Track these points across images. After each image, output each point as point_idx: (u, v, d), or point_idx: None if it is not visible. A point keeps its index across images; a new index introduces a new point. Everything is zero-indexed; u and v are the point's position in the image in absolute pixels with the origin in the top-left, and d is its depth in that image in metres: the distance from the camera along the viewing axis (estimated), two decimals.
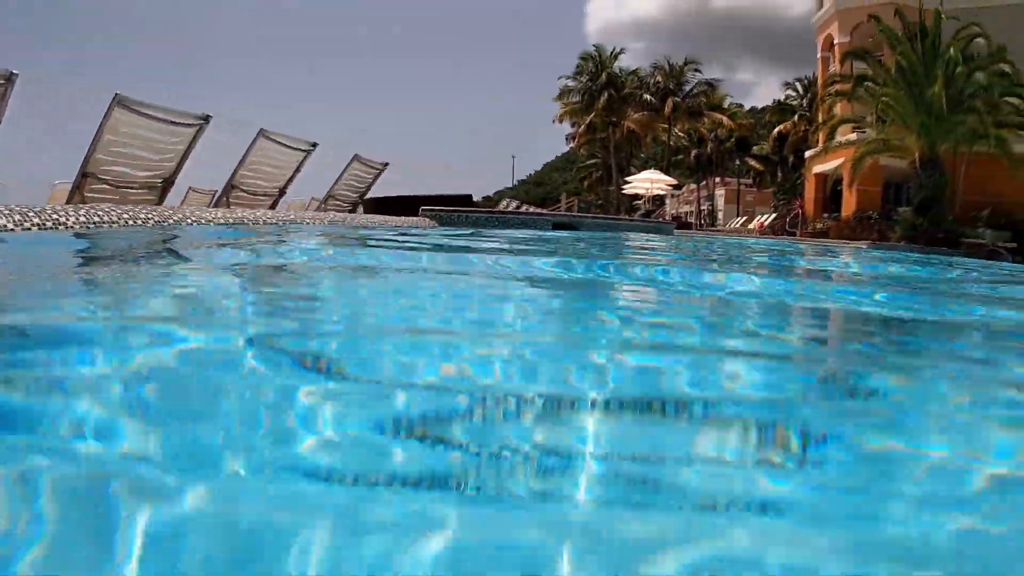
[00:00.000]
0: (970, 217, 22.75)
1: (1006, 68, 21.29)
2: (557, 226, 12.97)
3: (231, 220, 7.14)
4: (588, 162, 50.53)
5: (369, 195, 13.71)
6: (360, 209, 13.45)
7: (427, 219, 10.74)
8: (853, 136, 25.72)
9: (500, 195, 54.40)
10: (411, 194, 12.59)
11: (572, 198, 41.27)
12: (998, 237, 21.04)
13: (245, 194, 10.21)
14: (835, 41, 28.84)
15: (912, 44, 22.01)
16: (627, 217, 19.62)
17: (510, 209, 23.86)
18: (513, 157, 75.80)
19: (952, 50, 21.43)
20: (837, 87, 25.52)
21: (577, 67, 43.43)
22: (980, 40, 21.52)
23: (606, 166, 44.84)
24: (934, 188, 21.63)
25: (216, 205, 10.38)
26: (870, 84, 22.94)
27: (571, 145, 47.41)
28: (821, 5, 31.05)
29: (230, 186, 9.99)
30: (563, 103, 44.02)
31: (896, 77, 21.98)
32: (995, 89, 20.85)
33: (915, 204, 22.10)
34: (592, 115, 42.24)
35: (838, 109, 26.82)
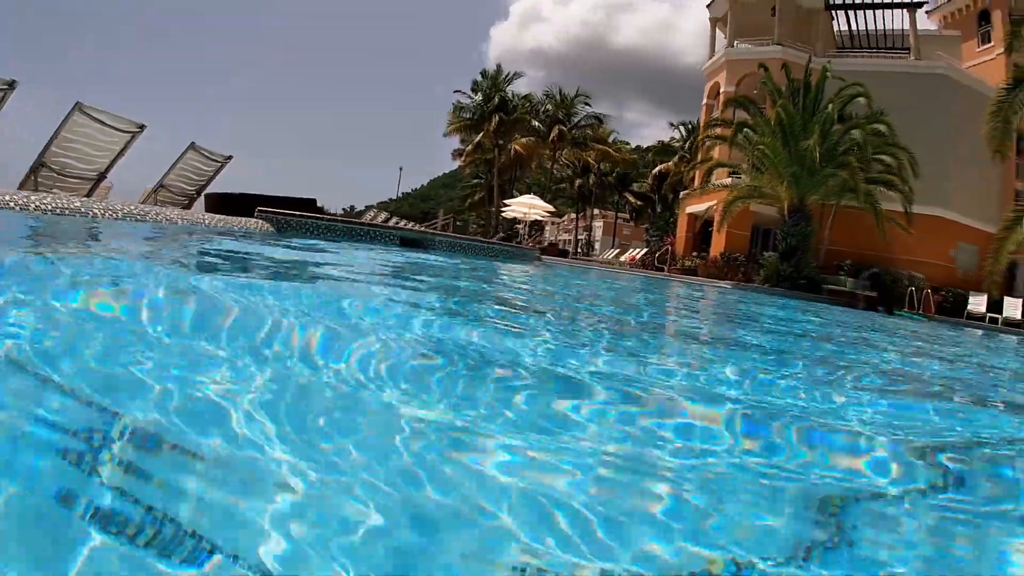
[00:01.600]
0: (834, 265, 23.38)
1: (882, 128, 21.90)
2: (405, 242, 12.16)
3: None
4: (472, 182, 49.53)
5: (212, 190, 12.46)
6: (202, 205, 12.39)
7: (263, 222, 9.60)
8: (727, 180, 26.00)
9: (383, 206, 52.35)
10: (254, 192, 11.55)
11: (450, 215, 39.91)
12: (858, 285, 21.64)
13: (54, 174, 8.69)
14: (721, 89, 29.18)
15: (794, 98, 22.42)
16: (483, 240, 18.36)
17: (365, 220, 22.28)
18: (400, 169, 74.06)
19: (831, 107, 21.90)
20: (718, 130, 25.73)
21: (473, 85, 42.50)
22: (861, 100, 22.00)
23: (489, 187, 43.94)
24: (800, 236, 22.14)
25: (22, 187, 8.45)
26: (749, 132, 23.12)
27: (458, 162, 46.20)
28: (713, 53, 31.68)
29: (39, 164, 8.26)
30: (454, 117, 42.87)
31: (774, 128, 22.25)
32: (869, 147, 21.30)
33: (781, 250, 22.48)
34: (481, 135, 41.30)
35: (716, 153, 27.12)
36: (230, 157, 11.92)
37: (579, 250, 45.50)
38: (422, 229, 23.24)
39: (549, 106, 43.10)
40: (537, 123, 42.73)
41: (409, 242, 12.31)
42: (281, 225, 9.80)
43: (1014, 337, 15.73)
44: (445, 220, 36.16)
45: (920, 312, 21.15)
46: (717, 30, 32.17)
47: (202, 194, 12.38)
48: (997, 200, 27.14)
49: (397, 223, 27.37)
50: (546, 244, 37.60)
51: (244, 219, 9.43)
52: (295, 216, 10.18)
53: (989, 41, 30.02)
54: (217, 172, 12.11)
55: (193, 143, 11.28)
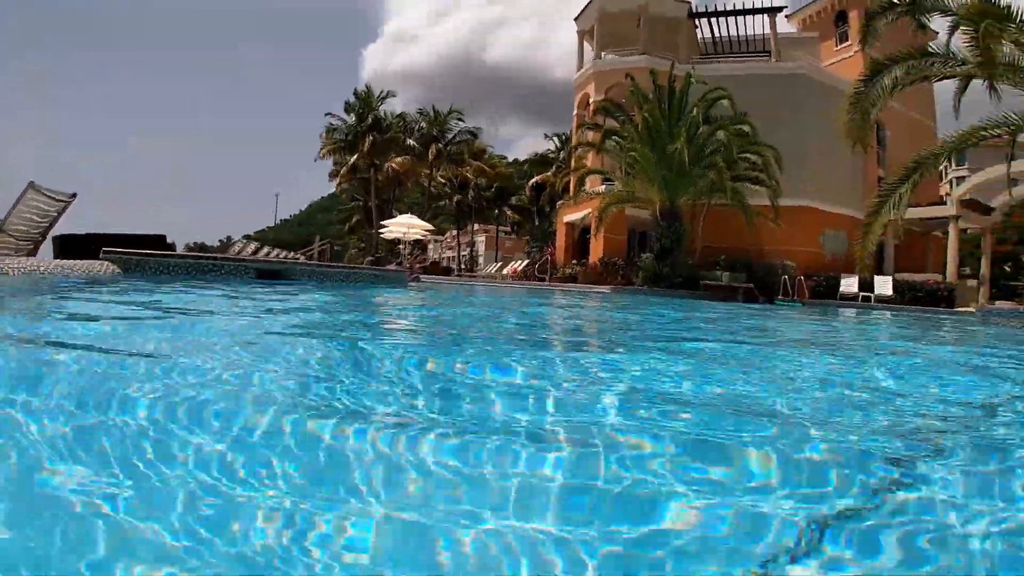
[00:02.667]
0: (710, 262, 23.48)
1: (746, 128, 22.08)
2: (263, 275, 11.21)
3: None
4: (350, 204, 47.66)
5: (58, 231, 11.23)
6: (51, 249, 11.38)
7: (108, 264, 9.00)
8: (601, 187, 25.83)
9: (261, 235, 49.68)
10: (100, 232, 10.88)
11: (327, 241, 37.85)
12: (735, 279, 21.67)
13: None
14: (591, 99, 28.95)
15: (660, 104, 22.34)
16: (348, 265, 17.10)
17: (244, 255, 21.11)
18: (276, 195, 70.81)
19: (696, 111, 22.08)
20: (589, 135, 25.31)
21: (345, 106, 40.87)
22: (725, 102, 22.24)
23: (367, 209, 42.20)
24: (675, 236, 22.16)
25: None
26: (618, 139, 22.98)
27: (334, 183, 44.33)
28: (581, 65, 31.57)
29: None
30: (327, 140, 41.08)
31: (643, 134, 22.17)
32: (734, 147, 21.42)
33: (657, 251, 22.43)
34: (356, 156, 39.62)
35: (588, 161, 26.76)
36: (74, 195, 10.79)
37: (463, 266, 44.37)
38: (283, 259, 21.53)
39: (423, 124, 42.19)
40: (412, 141, 41.65)
41: (267, 274, 11.38)
42: (129, 265, 9.24)
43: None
44: (322, 246, 34.09)
45: (795, 299, 21.60)
46: (585, 43, 32.14)
47: (47, 237, 11.10)
48: (860, 188, 28.25)
49: (268, 253, 25.49)
50: (428, 263, 36.15)
51: (88, 262, 8.87)
52: (142, 255, 9.55)
53: (847, 40, 31.21)
54: (62, 212, 10.93)
55: (32, 182, 10.15)
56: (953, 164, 50.00)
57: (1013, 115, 12.43)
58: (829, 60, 31.22)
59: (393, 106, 51.83)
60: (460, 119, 42.24)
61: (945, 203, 24.01)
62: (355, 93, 41.09)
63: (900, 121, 28.77)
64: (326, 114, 41.08)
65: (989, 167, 24.01)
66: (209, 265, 11.09)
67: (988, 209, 25.72)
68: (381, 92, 40.68)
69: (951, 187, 42.89)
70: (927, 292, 22.01)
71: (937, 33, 13.29)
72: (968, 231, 26.68)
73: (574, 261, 28.02)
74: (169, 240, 14.49)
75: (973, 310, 16.53)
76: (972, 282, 25.86)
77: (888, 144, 29.68)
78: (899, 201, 12.61)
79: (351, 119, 40.56)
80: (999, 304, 21.06)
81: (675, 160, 20.96)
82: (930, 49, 12.92)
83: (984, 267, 25.83)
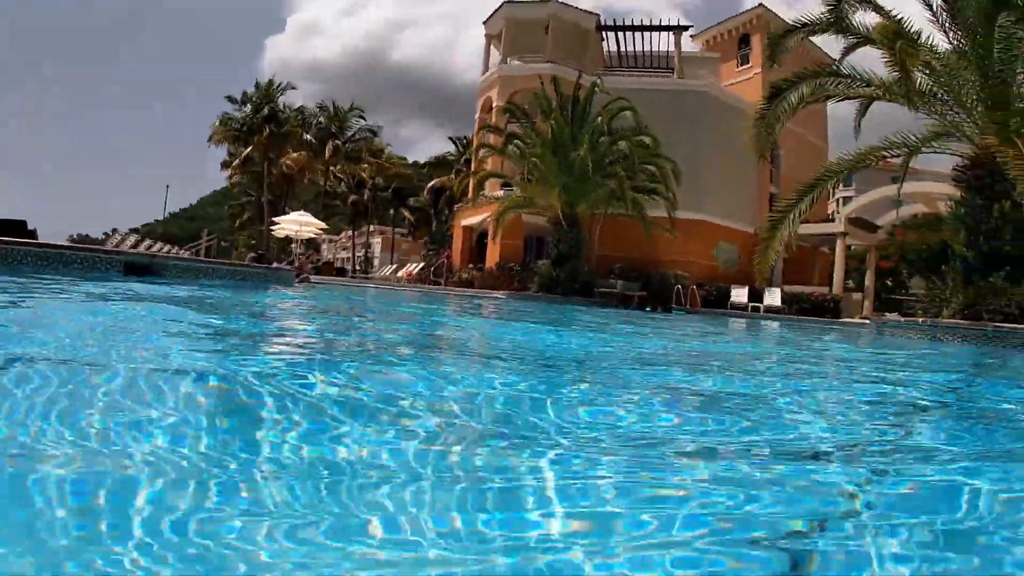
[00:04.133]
0: (606, 270, 23.18)
1: (647, 140, 21.80)
2: (131, 269, 10.31)
3: None
4: (243, 200, 45.11)
5: None
6: None
7: None
8: (500, 192, 24.99)
9: (149, 229, 46.58)
10: None
11: (213, 236, 35.33)
12: (629, 287, 21.40)
13: None
14: (494, 104, 28.16)
15: (564, 111, 21.85)
16: (229, 262, 15.69)
17: (123, 248, 19.32)
18: (167, 187, 66.16)
19: (600, 120, 21.76)
20: (491, 138, 24.42)
21: (243, 96, 38.59)
22: (628, 113, 22.03)
23: (260, 204, 39.90)
24: (572, 243, 21.67)
25: None
26: (521, 143, 22.35)
27: (226, 173, 41.71)
28: (487, 69, 30.76)
29: None
30: (220, 127, 38.61)
31: (546, 139, 21.62)
32: (636, 158, 21.22)
33: (554, 257, 21.90)
34: (251, 148, 37.38)
35: (488, 164, 25.94)
36: None
37: (357, 268, 42.71)
38: (153, 252, 19.73)
39: (322, 119, 40.40)
40: (310, 136, 39.69)
41: (136, 269, 10.43)
42: None
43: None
44: (208, 241, 31.72)
45: (687, 307, 21.66)
46: (492, 47, 31.39)
47: None
48: (753, 203, 28.88)
49: (151, 247, 23.62)
50: (320, 263, 34.31)
51: None
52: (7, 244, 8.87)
53: (748, 62, 31.63)
54: None
55: None
56: (840, 184, 52.02)
57: (913, 136, 12.56)
58: (730, 80, 31.57)
59: (293, 99, 49.49)
60: (361, 116, 40.83)
61: (834, 220, 24.40)
62: (255, 84, 38.95)
63: (794, 141, 29.24)
64: (225, 97, 38.68)
65: (873, 189, 24.81)
66: (72, 257, 10.07)
67: (874, 227, 26.52)
68: (280, 83, 38.73)
69: (837, 206, 44.44)
70: (813, 303, 22.48)
71: (834, 59, 13.25)
72: (853, 247, 27.30)
73: (471, 265, 27.14)
74: (32, 227, 12.94)
75: (867, 321, 16.76)
76: (857, 295, 26.62)
77: (781, 163, 30.21)
78: (798, 216, 12.54)
79: (248, 110, 38.33)
80: (888, 316, 21.61)
81: (577, 167, 20.58)
82: (838, 69, 12.95)
83: (869, 281, 26.75)
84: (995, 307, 10.19)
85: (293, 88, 39.54)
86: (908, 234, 31.24)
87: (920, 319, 11.17)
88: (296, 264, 26.72)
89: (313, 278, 22.46)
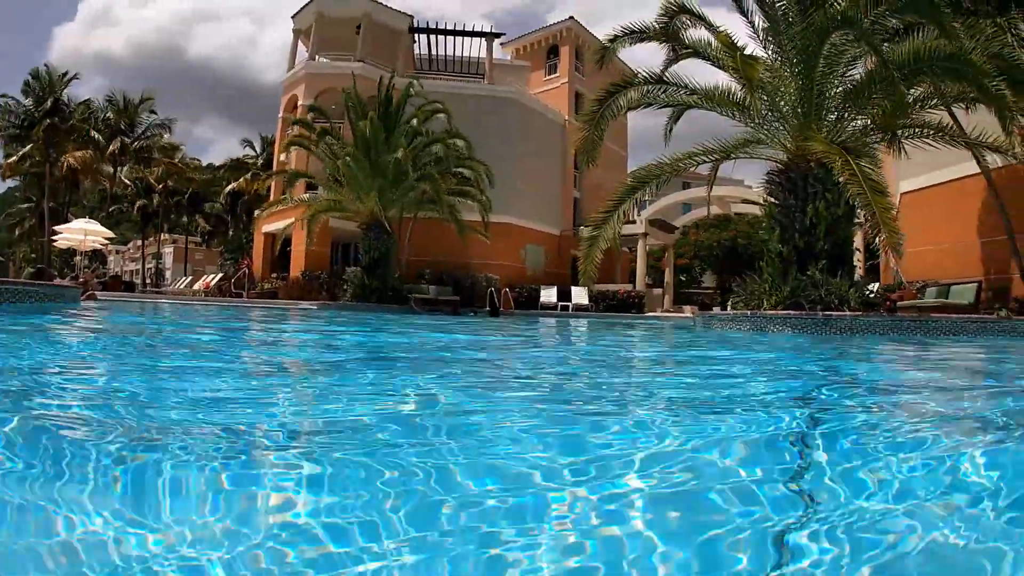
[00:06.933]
0: (416, 275, 22.54)
1: (460, 143, 21.27)
2: None
3: None
4: (22, 206, 39.15)
5: None
6: None
7: None
8: (306, 195, 23.32)
9: None
10: None
11: None
12: (441, 292, 20.94)
13: None
14: (299, 102, 26.38)
15: (376, 112, 20.67)
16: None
17: None
18: None
19: (415, 121, 21.11)
20: (297, 129, 22.46)
21: (24, 86, 33.33)
22: (442, 116, 21.45)
23: (41, 212, 34.71)
24: (383, 249, 20.71)
25: None
26: (331, 143, 20.90)
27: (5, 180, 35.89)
28: (293, 66, 28.72)
29: None
30: None
31: (358, 140, 20.34)
32: (450, 161, 20.76)
33: (365, 264, 20.76)
34: (31, 145, 32.39)
35: (292, 166, 24.12)
36: None
37: (148, 281, 38.60)
38: None
39: (111, 114, 35.84)
40: (96, 133, 35.12)
41: None
42: None
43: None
44: None
45: (502, 309, 21.24)
46: (300, 43, 29.45)
47: None
48: (559, 207, 29.62)
49: None
50: (107, 278, 30.38)
51: None
52: None
53: (556, 72, 31.94)
54: None
55: None
56: (656, 188, 54.99)
57: (726, 142, 12.95)
58: (538, 89, 31.80)
59: (81, 93, 43.30)
60: (152, 111, 36.58)
61: (635, 222, 25.15)
62: (34, 73, 33.73)
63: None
64: (0, 95, 33.20)
65: (668, 194, 26.00)
66: None
67: (672, 228, 27.80)
68: (66, 74, 33.84)
69: (636, 209, 46.78)
70: (620, 300, 23.02)
71: (637, 72, 13.32)
72: (651, 247, 28.46)
73: (274, 275, 25.18)
74: None
75: (692, 316, 17.30)
76: (657, 290, 27.82)
77: (584, 169, 30.84)
78: (622, 216, 12.74)
79: (28, 103, 33.23)
80: (716, 310, 22.53)
81: (392, 170, 19.67)
82: (665, 78, 13.03)
83: (668, 277, 28.08)
84: (814, 297, 10.72)
85: (77, 78, 34.56)
86: (701, 234, 33.23)
87: (749, 312, 11.45)
88: (81, 279, 23.51)
89: (99, 294, 19.84)
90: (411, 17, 29.35)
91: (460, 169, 21.80)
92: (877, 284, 15.72)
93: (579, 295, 22.66)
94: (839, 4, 10.77)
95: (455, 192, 21.40)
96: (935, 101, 11.80)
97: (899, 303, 12.25)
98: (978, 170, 13.37)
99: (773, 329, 10.46)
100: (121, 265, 42.30)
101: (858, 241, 15.86)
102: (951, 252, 15.43)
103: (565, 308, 22.10)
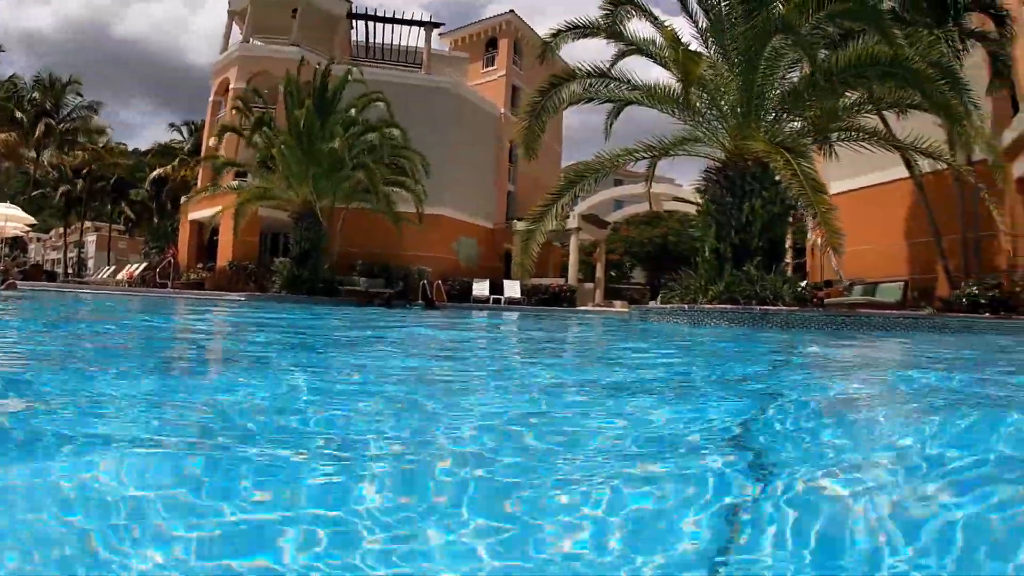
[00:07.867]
0: (347, 265, 21.98)
1: (396, 133, 20.75)
2: None
3: None
4: None
5: None
6: None
7: None
8: (235, 183, 22.33)
9: None
10: None
11: None
12: (373, 284, 20.51)
13: None
14: (231, 86, 25.16)
15: (312, 99, 19.86)
16: None
17: None
18: None
19: (354, 110, 20.58)
20: (228, 115, 21.48)
21: None
22: (380, 105, 20.89)
23: None
24: (314, 239, 19.99)
25: None
26: (266, 130, 20.09)
27: None
28: (226, 48, 27.41)
29: None
30: None
31: (290, 128, 19.53)
32: (386, 150, 20.24)
33: (296, 255, 20.00)
34: None
35: (222, 152, 23.03)
36: None
37: (70, 271, 36.56)
38: None
39: (36, 95, 33.48)
40: (21, 114, 32.76)
41: None
42: None
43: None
44: None
45: (435, 302, 20.73)
46: (235, 26, 28.15)
47: None
48: (492, 200, 29.45)
49: None
50: (28, 267, 28.57)
51: None
52: None
53: (493, 64, 31.65)
54: None
55: None
56: (596, 183, 55.51)
57: (666, 139, 13.02)
58: (475, 81, 31.41)
59: (4, 71, 40.25)
60: (79, 93, 34.32)
61: (569, 217, 25.14)
62: None
63: None
64: None
65: (599, 190, 26.14)
66: None
67: (604, 223, 27.96)
68: None
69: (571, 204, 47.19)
70: (552, 294, 22.99)
71: (576, 69, 13.19)
72: (584, 242, 28.58)
73: (200, 265, 24.07)
74: None
75: (625, 311, 17.38)
76: (588, 285, 27.95)
77: (518, 163, 30.68)
78: (560, 211, 12.76)
79: None
80: (652, 304, 22.76)
81: (326, 158, 18.96)
82: (611, 72, 12.92)
83: (599, 272, 28.35)
84: (749, 292, 10.78)
85: (2, 51, 32.12)
86: (632, 230, 33.65)
87: (687, 306, 11.52)
88: (1, 267, 22.25)
89: (19, 283, 18.95)
90: (350, 3, 28.48)
91: (396, 158, 21.26)
92: (805, 281, 16.15)
93: (511, 288, 22.56)
94: (781, 7, 10.86)
95: (390, 182, 20.89)
96: (869, 107, 12.09)
97: (826, 300, 12.62)
98: (906, 174, 13.88)
99: (710, 323, 10.54)
100: (43, 254, 39.72)
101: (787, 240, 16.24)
102: (879, 252, 15.99)
103: (497, 301, 21.94)
